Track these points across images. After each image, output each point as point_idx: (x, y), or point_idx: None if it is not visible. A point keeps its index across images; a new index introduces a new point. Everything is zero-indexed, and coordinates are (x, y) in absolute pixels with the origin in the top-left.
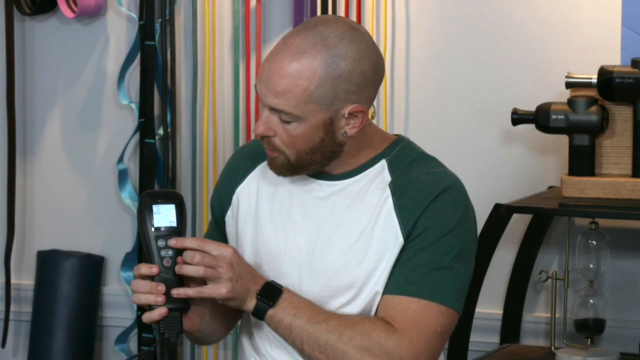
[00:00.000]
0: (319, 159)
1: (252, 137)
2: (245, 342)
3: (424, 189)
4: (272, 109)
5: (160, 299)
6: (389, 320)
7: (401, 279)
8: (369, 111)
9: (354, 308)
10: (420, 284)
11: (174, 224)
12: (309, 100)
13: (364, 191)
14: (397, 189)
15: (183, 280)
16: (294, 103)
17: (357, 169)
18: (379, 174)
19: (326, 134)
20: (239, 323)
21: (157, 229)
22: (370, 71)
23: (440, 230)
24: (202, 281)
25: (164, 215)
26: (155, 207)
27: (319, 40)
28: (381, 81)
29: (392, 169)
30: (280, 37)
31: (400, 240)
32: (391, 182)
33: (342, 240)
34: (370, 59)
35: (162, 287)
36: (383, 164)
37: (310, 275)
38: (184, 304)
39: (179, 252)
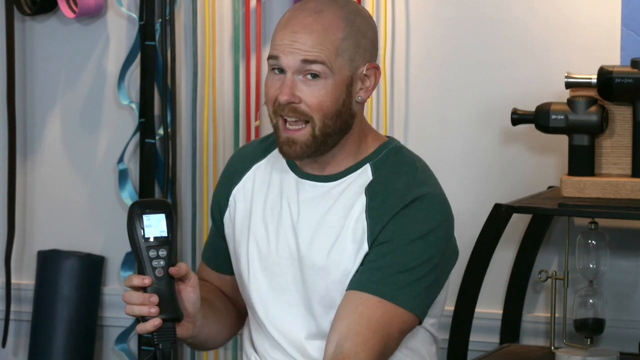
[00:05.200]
0: (338, 129)
1: (252, 137)
2: (246, 341)
3: (396, 195)
4: (304, 62)
5: (154, 310)
6: (352, 324)
7: (366, 277)
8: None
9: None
10: (385, 284)
11: (165, 234)
12: (338, 52)
13: (345, 194)
14: (372, 192)
15: (175, 289)
16: (327, 54)
17: (343, 172)
18: (361, 177)
19: (347, 96)
20: None
21: (148, 239)
22: (376, 32)
23: (409, 236)
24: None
25: (154, 225)
26: (145, 217)
27: (332, 1)
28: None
29: (373, 171)
30: None
31: (365, 244)
32: (368, 184)
33: (321, 243)
34: (372, 21)
35: (155, 299)
36: (367, 167)
37: (300, 276)
38: (178, 314)
39: (171, 262)
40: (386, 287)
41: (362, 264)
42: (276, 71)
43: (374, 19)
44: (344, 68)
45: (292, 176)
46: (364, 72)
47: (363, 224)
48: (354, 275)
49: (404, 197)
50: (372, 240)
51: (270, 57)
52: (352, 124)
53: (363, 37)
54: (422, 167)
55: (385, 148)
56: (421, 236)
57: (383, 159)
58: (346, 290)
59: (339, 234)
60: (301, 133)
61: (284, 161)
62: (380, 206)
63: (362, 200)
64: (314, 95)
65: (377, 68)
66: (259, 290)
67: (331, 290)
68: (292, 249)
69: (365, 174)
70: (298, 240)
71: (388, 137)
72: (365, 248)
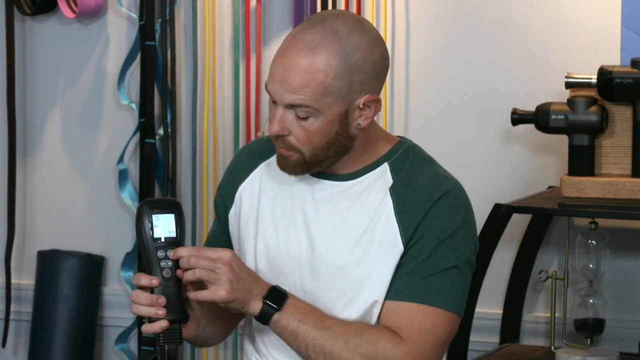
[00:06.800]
0: (332, 154)
1: (252, 137)
2: (247, 342)
3: (423, 194)
4: (290, 106)
5: (162, 311)
6: (395, 330)
7: (401, 284)
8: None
9: (352, 314)
10: (421, 288)
11: (174, 234)
12: (326, 93)
13: (365, 194)
14: (398, 193)
15: (182, 290)
16: (312, 97)
17: (360, 171)
18: (381, 177)
19: (341, 127)
20: (241, 322)
21: (157, 239)
22: (380, 60)
23: (440, 235)
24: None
25: (164, 226)
26: (154, 217)
27: (330, 33)
28: (387, 70)
29: (394, 172)
30: (280, 37)
31: (400, 247)
32: (392, 185)
33: (341, 242)
34: (379, 48)
35: (162, 300)
36: (385, 167)
37: (310, 276)
38: (184, 316)
39: (179, 263)
40: (422, 292)
41: (397, 267)
42: (273, 99)
43: (374, 19)
44: (335, 105)
45: (306, 175)
46: (361, 105)
47: (394, 226)
48: (390, 285)
49: (432, 194)
50: (407, 242)
51: (267, 85)
52: (353, 144)
53: (359, 72)
54: (436, 162)
55: (401, 147)
56: (451, 234)
57: (401, 158)
58: (385, 299)
59: (363, 234)
60: (291, 155)
61: None
62: (409, 207)
63: (388, 201)
64: (302, 131)
65: (377, 101)
66: None
67: (348, 291)
68: (303, 249)
69: (384, 173)
70: (313, 239)
71: (400, 137)
72: (399, 250)
